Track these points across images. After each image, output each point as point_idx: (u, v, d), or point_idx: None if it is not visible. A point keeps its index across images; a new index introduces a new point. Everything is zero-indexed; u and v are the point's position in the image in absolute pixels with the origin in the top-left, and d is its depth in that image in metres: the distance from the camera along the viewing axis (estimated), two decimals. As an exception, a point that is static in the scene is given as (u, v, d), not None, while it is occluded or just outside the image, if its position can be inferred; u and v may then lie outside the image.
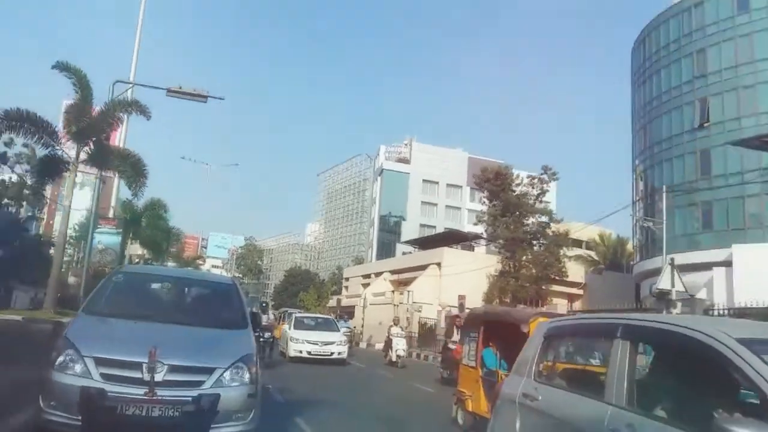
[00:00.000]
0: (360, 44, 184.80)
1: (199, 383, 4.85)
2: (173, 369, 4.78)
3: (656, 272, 30.99)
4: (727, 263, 25.92)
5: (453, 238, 47.40)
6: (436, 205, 71.72)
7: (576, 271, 41.31)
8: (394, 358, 19.48)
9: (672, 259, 15.61)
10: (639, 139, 36.50)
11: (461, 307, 27.58)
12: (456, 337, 14.93)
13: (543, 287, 36.37)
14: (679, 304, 13.81)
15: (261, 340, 14.77)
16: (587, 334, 4.61)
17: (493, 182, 38.92)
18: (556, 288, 38.32)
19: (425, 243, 49.80)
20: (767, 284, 18.90)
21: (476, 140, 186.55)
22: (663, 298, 13.97)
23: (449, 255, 40.52)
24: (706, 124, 30.60)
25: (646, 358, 3.87)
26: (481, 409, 7.69)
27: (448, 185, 72.07)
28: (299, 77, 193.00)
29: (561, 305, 37.29)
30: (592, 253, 52.15)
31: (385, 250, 67.23)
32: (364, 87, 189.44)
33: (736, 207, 28.18)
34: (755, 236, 26.23)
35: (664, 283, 14.15)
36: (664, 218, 27.21)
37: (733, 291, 23.92)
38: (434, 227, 65.73)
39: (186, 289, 6.94)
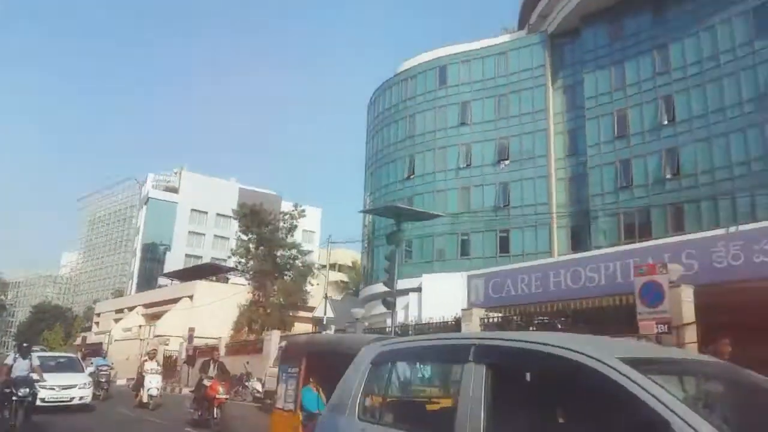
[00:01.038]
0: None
1: None
2: None
3: (375, 297, 36.91)
4: (419, 289, 32.34)
5: (210, 270, 48.86)
6: (204, 235, 71.98)
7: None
8: (145, 399, 17.35)
9: (326, 294, 19.90)
10: (368, 181, 42.81)
11: (190, 338, 29.47)
12: (212, 372, 13.70)
13: (290, 314, 39.94)
14: (332, 327, 17.95)
15: (14, 398, 11.22)
16: (429, 359, 3.87)
17: (249, 217, 41.77)
18: (303, 314, 42.15)
19: (184, 275, 50.26)
20: (446, 305, 23.99)
21: (254, 171, 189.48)
22: (320, 323, 18.10)
23: (201, 287, 42.04)
24: (411, 176, 37.75)
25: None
26: None
27: (218, 215, 72.72)
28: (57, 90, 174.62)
29: (306, 330, 41.17)
30: (345, 277, 57.95)
31: (148, 281, 65.29)
32: (137, 109, 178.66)
33: (428, 244, 35.47)
34: (439, 267, 33.30)
35: (319, 311, 18.33)
36: (373, 251, 32.64)
37: (422, 311, 29.90)
38: (201, 257, 65.99)
39: None
